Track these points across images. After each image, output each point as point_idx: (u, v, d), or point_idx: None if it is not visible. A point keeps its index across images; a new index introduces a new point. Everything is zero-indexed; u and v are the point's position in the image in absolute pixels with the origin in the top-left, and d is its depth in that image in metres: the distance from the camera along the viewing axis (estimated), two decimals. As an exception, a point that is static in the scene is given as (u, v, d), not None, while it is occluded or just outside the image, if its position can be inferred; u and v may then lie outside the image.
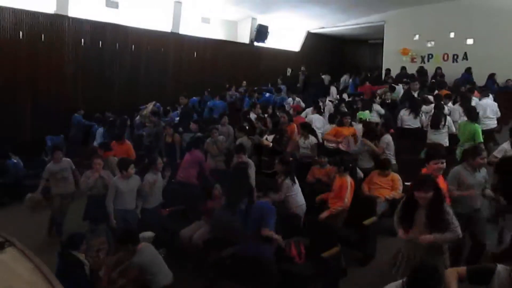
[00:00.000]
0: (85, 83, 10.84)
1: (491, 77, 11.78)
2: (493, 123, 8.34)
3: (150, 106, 10.16)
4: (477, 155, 4.46)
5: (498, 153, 5.55)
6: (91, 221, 5.59)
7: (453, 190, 4.39)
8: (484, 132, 7.40)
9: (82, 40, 10.71)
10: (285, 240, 4.66)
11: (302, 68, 16.12)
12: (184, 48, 13.34)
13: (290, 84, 15.22)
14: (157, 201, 5.78)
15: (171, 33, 12.83)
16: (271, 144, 7.91)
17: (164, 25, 12.66)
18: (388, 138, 6.69)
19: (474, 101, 8.52)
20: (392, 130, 6.81)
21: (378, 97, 10.49)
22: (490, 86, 10.68)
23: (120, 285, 3.95)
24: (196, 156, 6.85)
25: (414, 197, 3.38)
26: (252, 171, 6.18)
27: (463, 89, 10.13)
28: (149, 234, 4.90)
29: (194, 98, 12.37)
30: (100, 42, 11.13)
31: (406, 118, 8.38)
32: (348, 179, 5.29)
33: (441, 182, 4.24)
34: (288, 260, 4.51)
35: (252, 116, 9.54)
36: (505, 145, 5.69)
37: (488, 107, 8.34)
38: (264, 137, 8.06)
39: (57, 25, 10.13)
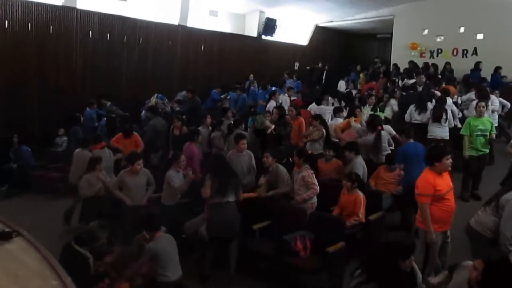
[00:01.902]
0: (93, 75, 10.86)
1: (497, 70, 11.67)
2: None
3: (153, 99, 10.19)
4: None
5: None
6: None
7: None
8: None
9: (90, 32, 10.71)
10: (291, 234, 4.68)
11: (320, 64, 15.98)
12: (191, 41, 13.31)
13: (302, 78, 15.20)
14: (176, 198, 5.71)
15: (179, 25, 12.81)
16: (273, 126, 7.92)
17: (171, 18, 12.64)
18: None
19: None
20: (380, 128, 6.79)
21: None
22: (499, 80, 10.59)
23: (127, 276, 3.98)
24: (189, 150, 6.76)
25: None
26: (253, 162, 6.24)
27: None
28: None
29: (214, 90, 12.58)
30: (108, 35, 11.14)
31: (415, 114, 8.36)
32: (361, 195, 5.14)
33: (448, 179, 4.23)
34: (293, 254, 4.54)
35: (271, 104, 9.62)
36: None
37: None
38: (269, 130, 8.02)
39: (65, 17, 10.13)
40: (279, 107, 8.91)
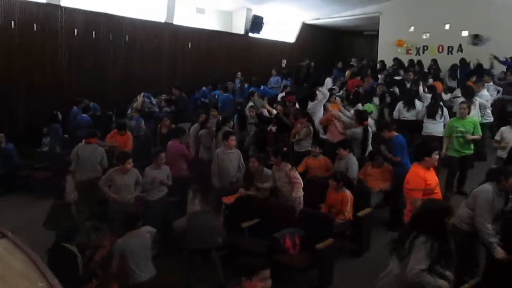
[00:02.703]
0: (79, 74, 10.75)
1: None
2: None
3: (140, 98, 10.09)
4: None
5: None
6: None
7: None
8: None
9: (76, 30, 10.60)
10: (280, 232, 4.68)
11: (307, 61, 16.02)
12: (178, 39, 13.24)
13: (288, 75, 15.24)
14: (161, 192, 5.73)
15: (165, 23, 12.73)
16: (275, 112, 7.94)
17: (158, 16, 12.55)
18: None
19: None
20: (366, 123, 6.84)
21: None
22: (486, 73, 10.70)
23: (100, 275, 3.94)
24: (175, 148, 6.73)
25: None
26: (241, 160, 6.22)
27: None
28: (149, 229, 4.86)
29: (204, 88, 12.46)
30: (94, 33, 11.02)
31: (403, 111, 8.44)
32: (348, 193, 5.15)
33: (434, 174, 4.28)
34: (283, 252, 4.54)
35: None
36: (504, 128, 6.38)
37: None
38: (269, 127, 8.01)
39: (49, 15, 10.01)
40: (284, 104, 8.99)
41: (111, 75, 11.56)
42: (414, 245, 2.99)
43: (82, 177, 6.22)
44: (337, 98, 8.62)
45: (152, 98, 10.39)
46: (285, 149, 6.09)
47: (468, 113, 6.81)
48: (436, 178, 4.30)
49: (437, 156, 4.23)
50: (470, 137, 6.53)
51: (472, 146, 6.76)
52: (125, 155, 5.70)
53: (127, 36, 11.80)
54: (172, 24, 12.88)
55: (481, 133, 6.81)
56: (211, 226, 4.58)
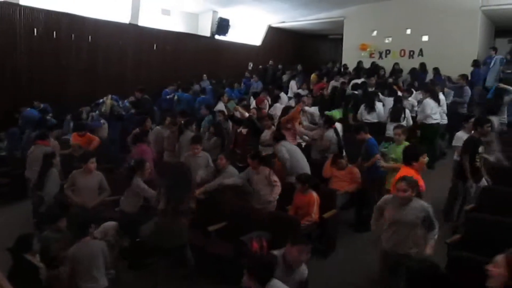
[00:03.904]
0: (39, 75, 10.40)
1: (437, 71, 12.26)
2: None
3: (107, 100, 9.84)
4: None
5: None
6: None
7: None
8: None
9: (35, 30, 10.25)
10: (247, 235, 4.67)
11: (270, 62, 16.16)
12: (143, 40, 13.05)
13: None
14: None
15: (130, 24, 12.51)
16: (247, 115, 7.94)
17: (122, 16, 12.32)
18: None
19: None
20: (334, 126, 7.00)
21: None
22: (439, 80, 11.11)
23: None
24: (140, 151, 6.58)
25: None
26: (210, 162, 6.17)
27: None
28: (112, 224, 4.73)
29: (166, 90, 12.33)
30: (55, 33, 10.70)
31: (364, 113, 8.71)
32: (314, 195, 5.19)
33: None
34: (250, 255, 4.52)
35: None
36: (459, 133, 6.33)
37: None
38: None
39: (7, 13, 9.65)
40: (259, 108, 9.02)
41: (74, 77, 11.24)
42: None
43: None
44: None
45: (120, 101, 10.15)
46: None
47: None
48: (423, 184, 4.29)
49: (426, 159, 4.28)
50: (385, 165, 5.76)
51: None
52: (88, 154, 5.60)
53: (90, 37, 11.52)
54: (137, 25, 12.68)
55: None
56: (181, 224, 4.54)
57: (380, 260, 4.00)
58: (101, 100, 10.01)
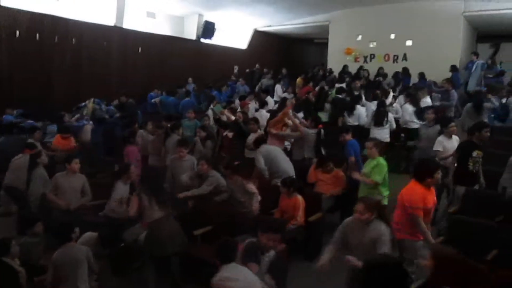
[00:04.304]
0: (22, 78, 10.22)
1: (423, 76, 12.43)
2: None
3: (90, 104, 9.71)
4: None
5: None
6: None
7: None
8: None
9: (17, 32, 10.09)
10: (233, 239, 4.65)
11: (257, 66, 16.20)
12: (128, 43, 12.94)
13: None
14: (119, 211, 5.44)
15: (115, 27, 12.41)
16: (233, 118, 7.90)
17: (107, 19, 12.21)
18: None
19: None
20: (320, 126, 7.10)
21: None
22: (423, 84, 11.27)
23: None
24: (130, 152, 6.65)
25: None
26: (195, 166, 6.11)
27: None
28: (93, 235, 4.66)
29: (152, 93, 12.35)
30: (38, 35, 10.55)
31: (346, 116, 8.92)
32: (300, 198, 5.20)
33: (434, 193, 4.23)
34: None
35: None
36: (440, 138, 6.31)
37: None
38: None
39: (-12, 15, 9.50)
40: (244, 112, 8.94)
41: (57, 80, 11.09)
42: None
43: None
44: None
45: (103, 105, 10.01)
46: (236, 162, 6.09)
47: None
48: (435, 198, 4.23)
49: (439, 175, 4.12)
50: (357, 176, 5.54)
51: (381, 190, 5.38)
52: (71, 155, 5.56)
53: (74, 39, 11.37)
54: (121, 27, 12.57)
55: (376, 179, 5.27)
56: (177, 230, 4.53)
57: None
58: (83, 104, 9.88)
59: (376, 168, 5.27)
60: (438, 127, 6.84)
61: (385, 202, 5.23)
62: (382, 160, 5.34)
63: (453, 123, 6.48)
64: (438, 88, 10.87)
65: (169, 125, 7.55)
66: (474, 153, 5.51)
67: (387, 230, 3.62)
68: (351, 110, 8.93)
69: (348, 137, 6.38)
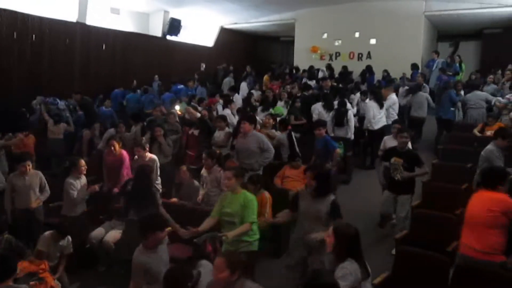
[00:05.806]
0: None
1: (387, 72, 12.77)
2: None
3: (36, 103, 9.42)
4: None
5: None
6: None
7: None
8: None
9: (-28, 27, 9.69)
10: (201, 237, 4.64)
11: (224, 65, 16.16)
12: (91, 40, 12.62)
13: (206, 79, 15.29)
14: (81, 208, 5.43)
15: (77, 23, 12.07)
16: (199, 115, 7.87)
17: (69, 15, 11.87)
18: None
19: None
20: (289, 127, 7.23)
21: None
22: (386, 82, 11.54)
23: None
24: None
25: None
26: (157, 168, 6.13)
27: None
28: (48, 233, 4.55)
29: (117, 90, 12.16)
30: (-5, 31, 10.15)
31: (323, 112, 8.63)
32: (266, 195, 5.25)
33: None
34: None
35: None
36: (386, 138, 6.55)
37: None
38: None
39: None
40: (209, 109, 8.99)
41: (16, 77, 10.69)
42: None
43: None
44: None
45: (59, 102, 9.56)
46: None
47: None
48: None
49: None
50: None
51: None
52: (23, 155, 5.46)
53: (34, 35, 10.99)
54: (84, 24, 12.24)
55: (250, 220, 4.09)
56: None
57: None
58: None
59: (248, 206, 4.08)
60: None
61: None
62: (248, 195, 4.21)
63: (396, 124, 6.72)
64: (410, 83, 11.17)
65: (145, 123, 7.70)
66: (392, 159, 5.38)
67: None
68: (330, 108, 8.57)
69: (324, 131, 6.55)
